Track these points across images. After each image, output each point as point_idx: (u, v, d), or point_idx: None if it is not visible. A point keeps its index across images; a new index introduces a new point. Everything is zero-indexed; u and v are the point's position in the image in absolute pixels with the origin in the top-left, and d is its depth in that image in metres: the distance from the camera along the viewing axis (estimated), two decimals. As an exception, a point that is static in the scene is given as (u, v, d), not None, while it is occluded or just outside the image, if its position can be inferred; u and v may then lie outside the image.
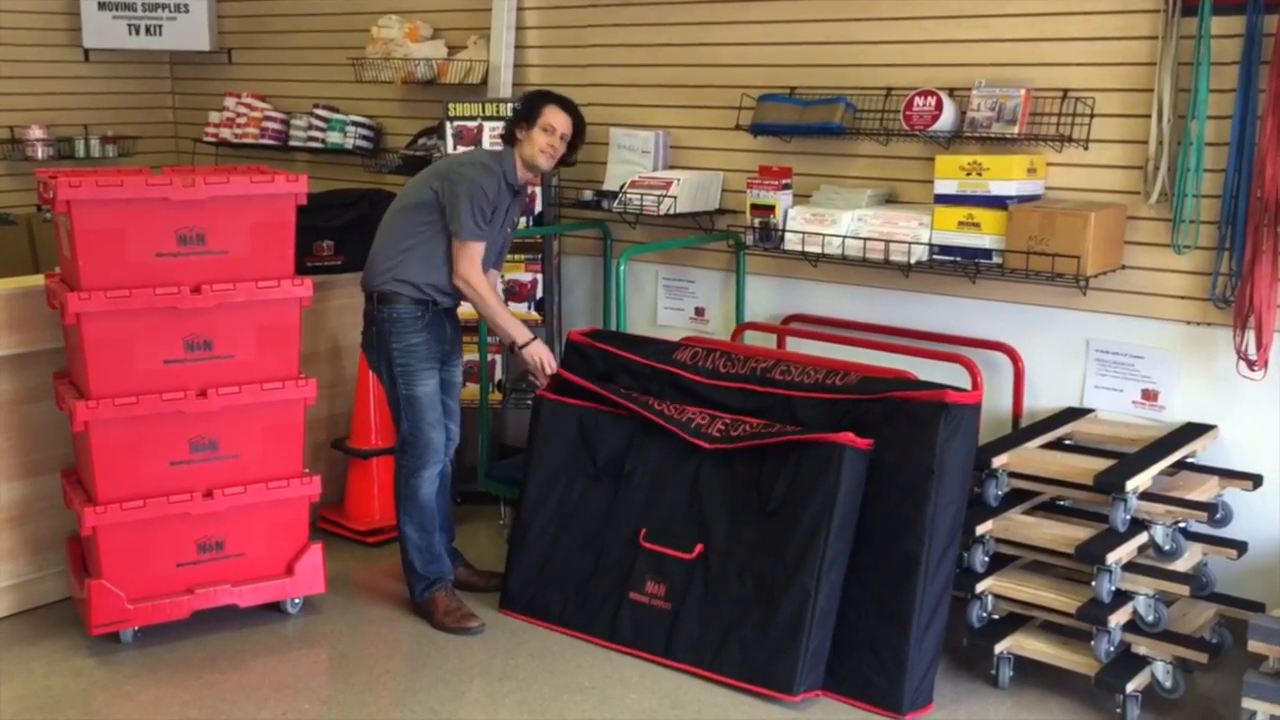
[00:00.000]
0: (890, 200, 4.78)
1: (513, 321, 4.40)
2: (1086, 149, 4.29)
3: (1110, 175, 4.29)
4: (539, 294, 5.56)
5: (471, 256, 4.23)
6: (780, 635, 3.83)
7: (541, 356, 4.42)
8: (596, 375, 4.46)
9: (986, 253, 4.26)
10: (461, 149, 5.35)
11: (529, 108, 4.35)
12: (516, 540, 4.46)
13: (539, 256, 5.56)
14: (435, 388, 4.32)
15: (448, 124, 5.44)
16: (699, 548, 4.06)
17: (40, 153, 7.03)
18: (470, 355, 5.09)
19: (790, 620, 3.81)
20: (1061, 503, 4.17)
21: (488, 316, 4.37)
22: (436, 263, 4.25)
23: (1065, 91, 4.31)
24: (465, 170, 4.24)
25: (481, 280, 4.26)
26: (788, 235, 4.67)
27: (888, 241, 4.43)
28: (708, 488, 4.11)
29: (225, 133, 7.02)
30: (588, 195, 5.37)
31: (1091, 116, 4.27)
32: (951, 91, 4.47)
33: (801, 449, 3.88)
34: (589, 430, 4.36)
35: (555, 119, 4.33)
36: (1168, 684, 3.76)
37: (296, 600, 4.46)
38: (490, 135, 5.42)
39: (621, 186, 5.15)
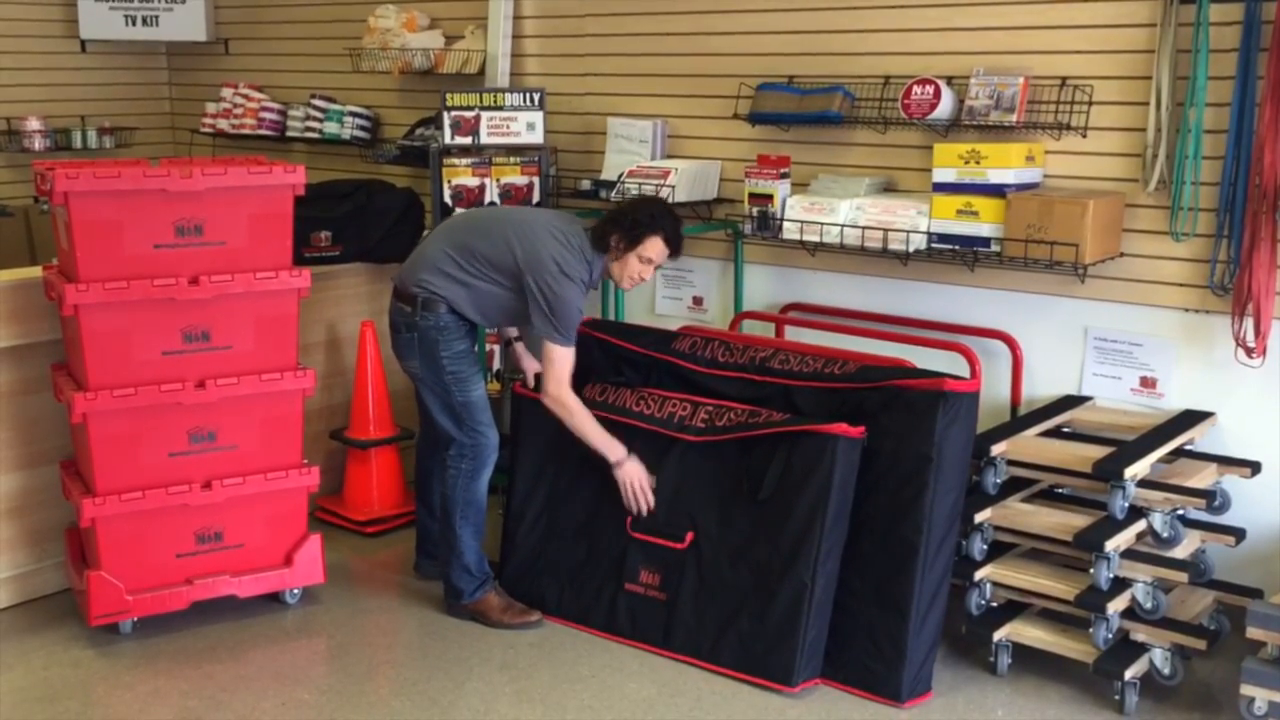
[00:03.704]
0: (888, 189, 4.78)
1: (607, 439, 4.16)
2: (1085, 137, 4.29)
3: (1109, 163, 4.29)
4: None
5: (561, 373, 4.09)
6: (777, 627, 3.83)
7: (636, 479, 4.14)
8: (586, 367, 4.44)
9: (985, 241, 4.26)
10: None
11: (635, 230, 4.09)
12: (509, 532, 4.46)
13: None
14: (484, 389, 4.28)
15: (445, 114, 5.43)
16: (690, 536, 4.06)
17: (37, 144, 7.02)
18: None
19: (787, 612, 3.82)
20: (1060, 490, 4.18)
21: (581, 435, 4.16)
22: (484, 308, 4.20)
23: (1064, 79, 4.30)
24: (564, 287, 4.03)
25: (574, 400, 4.13)
26: (786, 224, 4.67)
27: (886, 230, 4.43)
28: (694, 476, 4.10)
29: (222, 123, 7.02)
30: (585, 185, 5.37)
31: (1090, 104, 4.27)
32: (950, 80, 4.47)
33: (793, 439, 3.87)
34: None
35: (655, 252, 4.13)
36: (1166, 671, 3.77)
37: (295, 591, 4.46)
38: (488, 125, 5.39)
39: (619, 176, 5.14)
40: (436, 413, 4.28)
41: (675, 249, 4.20)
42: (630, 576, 4.16)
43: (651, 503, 4.14)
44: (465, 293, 4.17)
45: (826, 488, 3.79)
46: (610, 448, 4.16)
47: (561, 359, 4.10)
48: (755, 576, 3.90)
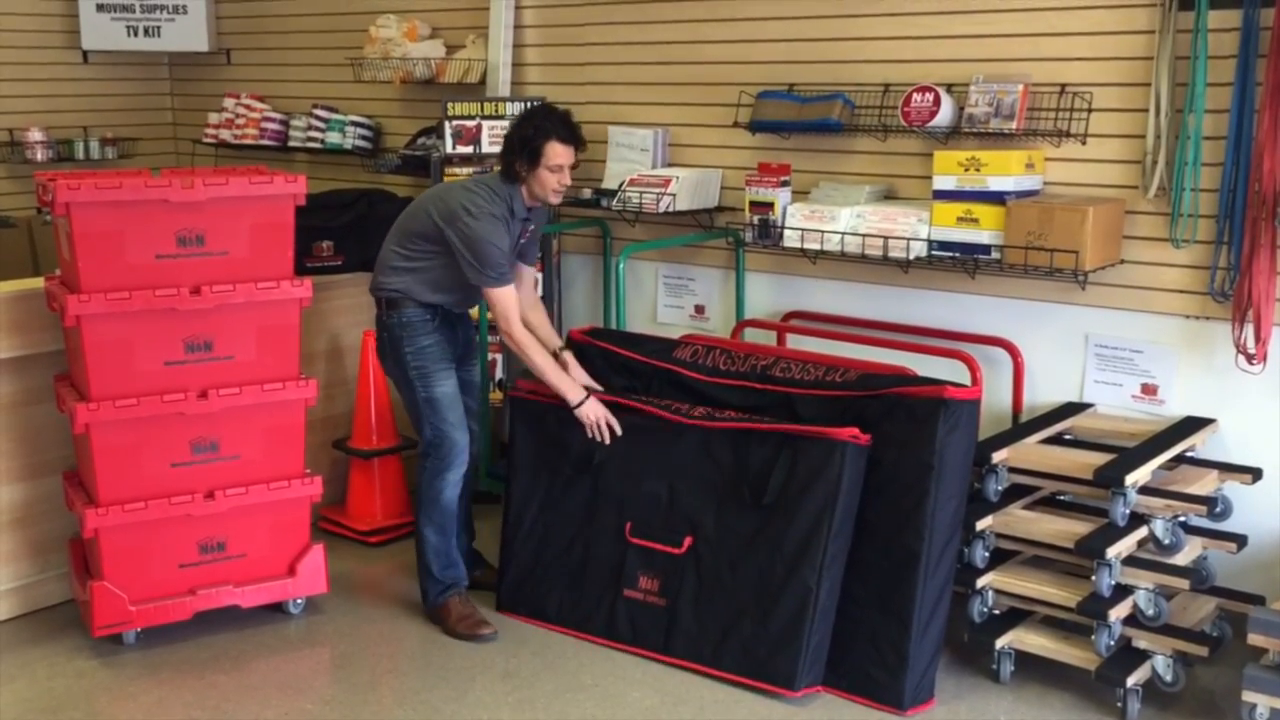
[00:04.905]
0: (889, 196, 4.79)
1: (563, 378, 4.21)
2: (1084, 144, 4.29)
3: (1108, 170, 4.29)
4: (539, 292, 5.56)
5: (506, 311, 4.11)
6: (781, 631, 3.83)
7: (597, 416, 4.20)
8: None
9: (985, 248, 4.26)
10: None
11: (529, 148, 4.07)
12: (506, 541, 4.47)
13: (539, 254, 5.56)
14: (454, 388, 4.28)
15: (446, 123, 5.44)
16: (688, 541, 4.06)
17: (39, 155, 7.03)
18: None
19: (791, 616, 3.82)
20: (1061, 497, 4.17)
21: (538, 373, 4.21)
22: (440, 285, 4.20)
23: (1063, 86, 4.31)
24: (474, 226, 4.05)
25: (524, 336, 4.15)
26: (787, 232, 4.67)
27: (887, 238, 4.44)
28: (692, 477, 4.08)
29: (224, 134, 7.03)
30: (587, 193, 5.37)
31: (1089, 111, 4.27)
32: (949, 87, 4.47)
33: (798, 443, 3.88)
34: (555, 426, 4.31)
35: (560, 156, 4.10)
36: (1168, 678, 3.77)
37: (299, 600, 4.47)
38: (489, 134, 5.41)
39: (620, 184, 5.15)
40: (407, 410, 4.31)
41: (575, 142, 4.16)
42: (629, 583, 4.16)
43: (618, 429, 4.18)
44: (416, 279, 4.20)
45: (834, 493, 3.78)
46: (568, 389, 4.19)
47: (501, 298, 4.11)
48: (758, 581, 3.90)
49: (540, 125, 4.10)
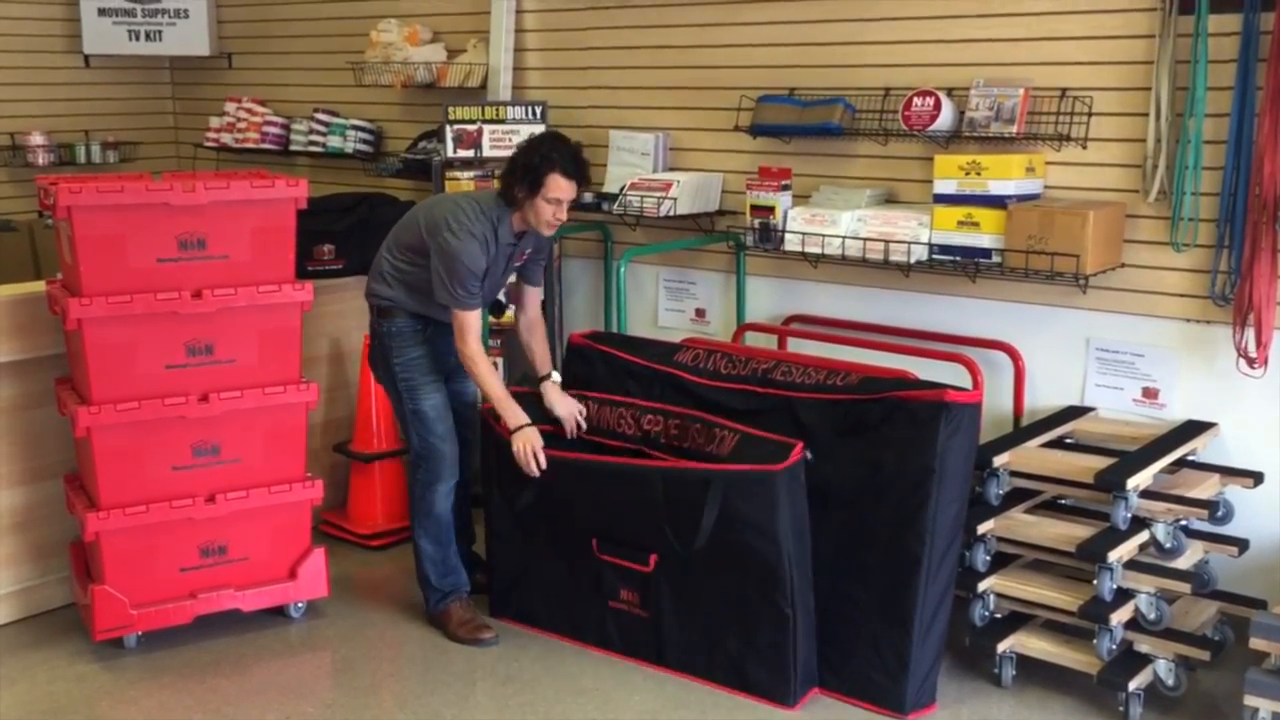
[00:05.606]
0: (890, 200, 4.79)
1: (510, 404, 4.16)
2: (1085, 148, 4.30)
3: (1109, 174, 4.30)
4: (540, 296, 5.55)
5: (463, 328, 4.07)
6: (766, 649, 3.82)
7: (524, 446, 4.09)
8: (589, 380, 4.44)
9: (986, 252, 4.26)
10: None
11: (531, 175, 3.99)
12: (490, 550, 4.45)
13: (543, 271, 5.54)
14: (441, 400, 4.26)
15: (447, 127, 5.45)
16: (653, 558, 4.00)
17: (41, 159, 7.03)
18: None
19: (772, 639, 3.80)
20: (1063, 501, 4.18)
21: (484, 392, 4.22)
22: (430, 297, 4.15)
23: (1063, 90, 4.31)
24: (452, 242, 4.01)
25: (479, 357, 4.11)
26: (788, 236, 4.67)
27: (887, 241, 4.44)
28: (631, 512, 4.01)
29: (226, 138, 7.04)
30: (587, 197, 5.37)
31: (1090, 115, 4.27)
32: (950, 91, 4.47)
33: (726, 480, 3.77)
34: (503, 445, 4.23)
35: (560, 190, 4.00)
36: (1170, 682, 3.76)
37: (300, 604, 4.46)
38: (490, 138, 5.41)
39: (621, 188, 5.16)
40: (397, 419, 4.33)
41: (578, 178, 4.06)
42: (611, 594, 4.13)
43: (543, 463, 4.09)
44: (404, 288, 4.20)
45: (773, 527, 3.71)
46: (510, 413, 4.15)
47: (464, 319, 4.07)
48: (735, 602, 3.86)
49: (547, 155, 4.01)
